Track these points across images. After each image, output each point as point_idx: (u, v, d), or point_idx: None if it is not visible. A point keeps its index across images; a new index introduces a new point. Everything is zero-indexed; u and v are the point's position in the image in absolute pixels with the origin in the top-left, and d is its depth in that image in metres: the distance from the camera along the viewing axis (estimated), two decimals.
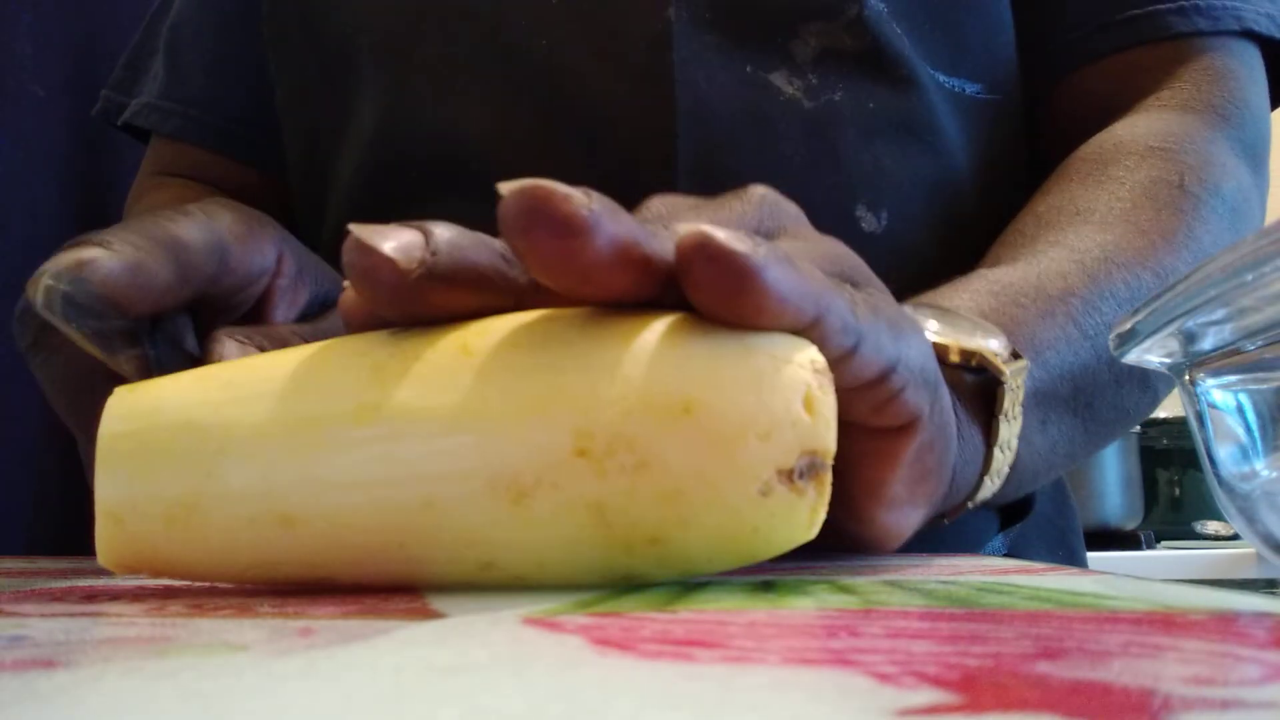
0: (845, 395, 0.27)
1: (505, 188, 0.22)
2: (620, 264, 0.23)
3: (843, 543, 0.32)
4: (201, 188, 0.62)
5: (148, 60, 0.65)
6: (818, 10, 0.49)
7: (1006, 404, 0.35)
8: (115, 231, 0.31)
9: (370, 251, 0.23)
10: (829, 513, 0.28)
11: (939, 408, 0.30)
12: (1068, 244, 0.44)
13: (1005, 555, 0.54)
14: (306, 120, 0.58)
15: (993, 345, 0.35)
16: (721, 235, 0.22)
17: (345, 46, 0.54)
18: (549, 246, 0.22)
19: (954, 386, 0.35)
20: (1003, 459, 0.36)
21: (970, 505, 0.37)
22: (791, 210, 0.30)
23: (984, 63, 0.53)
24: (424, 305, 0.24)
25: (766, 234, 0.29)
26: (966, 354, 0.35)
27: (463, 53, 0.51)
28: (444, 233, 0.24)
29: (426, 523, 0.23)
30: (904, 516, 0.31)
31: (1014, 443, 0.36)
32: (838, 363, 0.25)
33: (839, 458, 0.25)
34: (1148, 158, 0.48)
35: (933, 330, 0.35)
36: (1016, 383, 0.35)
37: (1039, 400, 0.39)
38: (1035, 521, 0.57)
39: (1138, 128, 0.51)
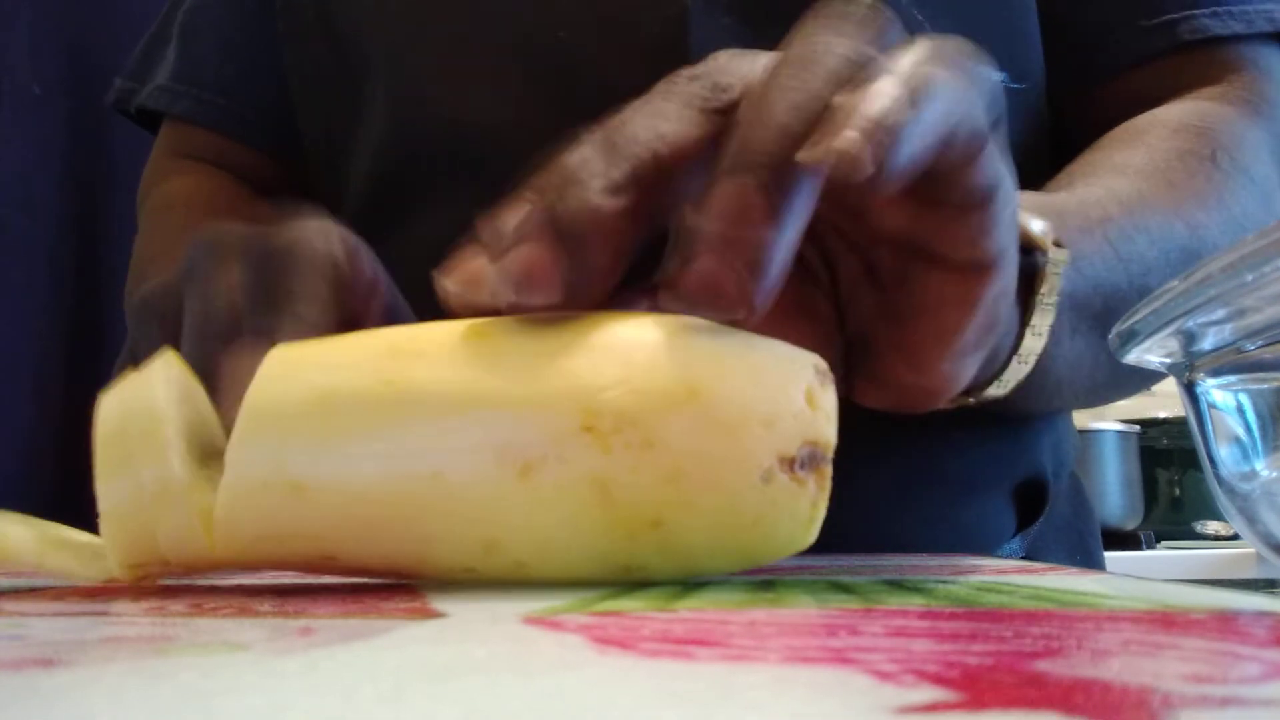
0: (950, 221, 0.27)
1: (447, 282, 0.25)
2: (605, 286, 0.25)
3: (888, 397, 0.31)
4: (221, 173, 0.62)
5: (162, 48, 0.65)
6: None
7: (1044, 288, 0.35)
8: (300, 306, 0.31)
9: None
10: (877, 366, 0.29)
11: (1012, 255, 0.31)
12: (1105, 186, 0.45)
13: (1023, 558, 0.54)
14: (321, 112, 0.58)
15: (1037, 227, 0.35)
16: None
17: (358, 39, 0.54)
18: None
19: None
20: (1033, 345, 0.35)
21: (996, 388, 0.36)
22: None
23: (1007, 52, 0.53)
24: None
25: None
26: None
27: (476, 42, 0.51)
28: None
29: (434, 494, 0.23)
30: (963, 366, 0.31)
31: (1045, 332, 0.36)
32: (966, 163, 0.26)
33: (908, 305, 0.26)
34: (1180, 131, 0.49)
35: None
36: (1056, 269, 0.35)
37: (1072, 305, 0.39)
38: (1054, 524, 0.57)
39: (1171, 109, 0.51)
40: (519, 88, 0.50)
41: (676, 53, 0.48)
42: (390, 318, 0.37)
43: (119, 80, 0.67)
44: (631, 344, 0.23)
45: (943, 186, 0.27)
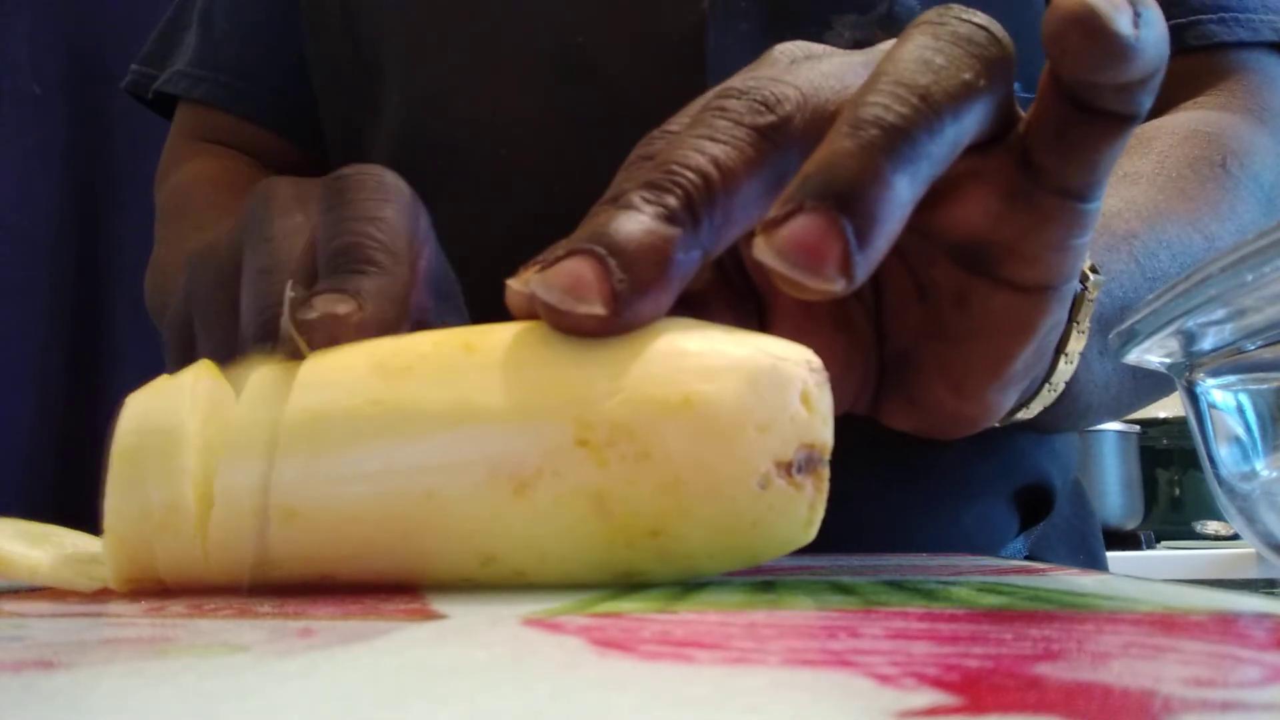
0: (1039, 224, 0.27)
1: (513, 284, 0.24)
2: (656, 309, 0.24)
3: (920, 421, 0.31)
4: (242, 156, 0.61)
5: (180, 34, 0.65)
6: (851, 3, 0.49)
7: (1081, 314, 0.34)
8: (368, 282, 0.29)
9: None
10: (915, 388, 0.29)
11: (1074, 284, 0.30)
12: (1122, 196, 0.44)
13: (1026, 558, 0.54)
14: (340, 104, 0.59)
15: None
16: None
17: (378, 37, 0.55)
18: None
19: None
20: (1066, 371, 0.35)
21: (1025, 412, 0.36)
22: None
23: (1021, 60, 0.53)
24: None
25: None
26: None
27: (494, 46, 0.52)
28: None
29: (428, 513, 0.23)
30: (1008, 395, 0.31)
31: (1077, 358, 0.36)
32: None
33: (963, 327, 0.26)
34: (1190, 138, 0.49)
35: None
36: (1093, 295, 0.35)
37: (1101, 327, 0.39)
38: (1056, 524, 0.57)
39: (1179, 116, 0.51)
40: (536, 90, 0.50)
41: (695, 58, 0.48)
42: (433, 277, 0.35)
43: (135, 66, 0.67)
44: (622, 353, 0.23)
45: (1058, 154, 0.27)
